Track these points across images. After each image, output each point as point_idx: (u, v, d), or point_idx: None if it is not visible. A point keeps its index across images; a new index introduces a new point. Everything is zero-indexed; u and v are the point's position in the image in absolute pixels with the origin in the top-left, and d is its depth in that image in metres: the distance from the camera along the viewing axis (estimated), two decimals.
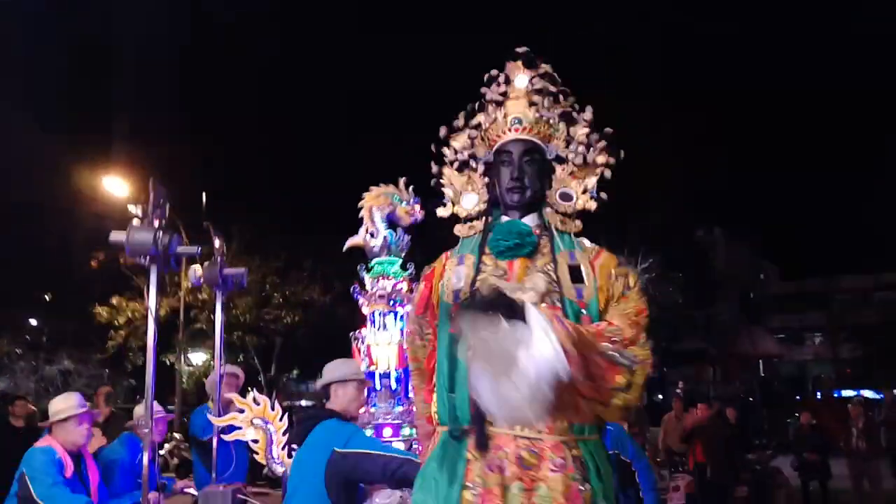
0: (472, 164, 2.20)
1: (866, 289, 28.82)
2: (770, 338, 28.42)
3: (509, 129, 2.12)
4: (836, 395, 20.83)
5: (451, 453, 1.88)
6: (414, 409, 2.28)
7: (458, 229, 2.15)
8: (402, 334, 4.18)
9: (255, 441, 4.01)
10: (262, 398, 4.11)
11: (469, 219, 2.15)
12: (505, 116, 2.14)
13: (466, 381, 1.70)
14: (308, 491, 3.17)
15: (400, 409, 4.15)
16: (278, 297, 17.66)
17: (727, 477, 9.19)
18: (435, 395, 1.98)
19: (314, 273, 17.55)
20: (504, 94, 2.15)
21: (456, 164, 2.21)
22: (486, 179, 2.16)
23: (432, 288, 2.08)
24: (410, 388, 2.25)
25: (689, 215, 19.38)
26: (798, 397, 20.91)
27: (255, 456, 4.07)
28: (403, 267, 4.34)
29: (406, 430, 4.11)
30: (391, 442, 4.02)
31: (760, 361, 27.66)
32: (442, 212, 2.20)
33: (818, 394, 24.09)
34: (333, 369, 3.46)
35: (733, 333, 23.68)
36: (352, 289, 4.33)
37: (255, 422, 4.03)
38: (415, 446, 4.11)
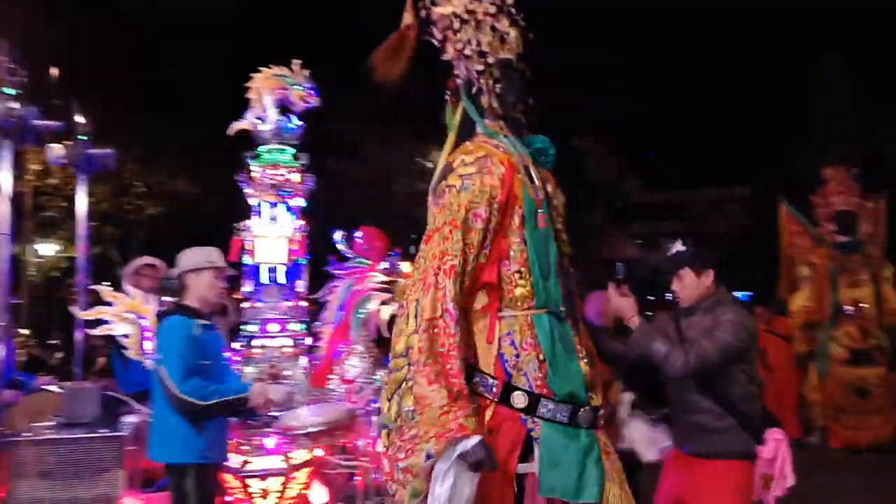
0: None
1: (718, 200, 31.48)
2: (631, 242, 30.62)
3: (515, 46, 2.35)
4: None
5: (562, 332, 2.19)
6: (449, 341, 2.02)
7: (491, 125, 2.33)
8: (293, 227, 4.01)
9: (126, 336, 3.81)
10: (136, 291, 3.87)
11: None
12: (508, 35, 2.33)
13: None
14: (159, 391, 3.14)
15: (288, 304, 4.02)
16: (141, 185, 16.56)
17: None
18: (530, 286, 2.17)
19: (183, 161, 16.48)
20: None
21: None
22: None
23: (514, 195, 2.20)
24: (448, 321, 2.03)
25: (565, 123, 19.95)
26: (652, 297, 22.77)
27: (125, 351, 3.87)
28: (295, 157, 4.10)
29: (293, 326, 4.02)
30: (278, 337, 3.93)
31: (621, 264, 29.81)
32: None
33: (668, 294, 26.40)
34: (187, 258, 3.34)
35: (600, 238, 25.19)
36: (237, 177, 4.04)
37: (127, 315, 3.81)
38: (306, 342, 4.06)
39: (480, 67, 2.35)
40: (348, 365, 3.92)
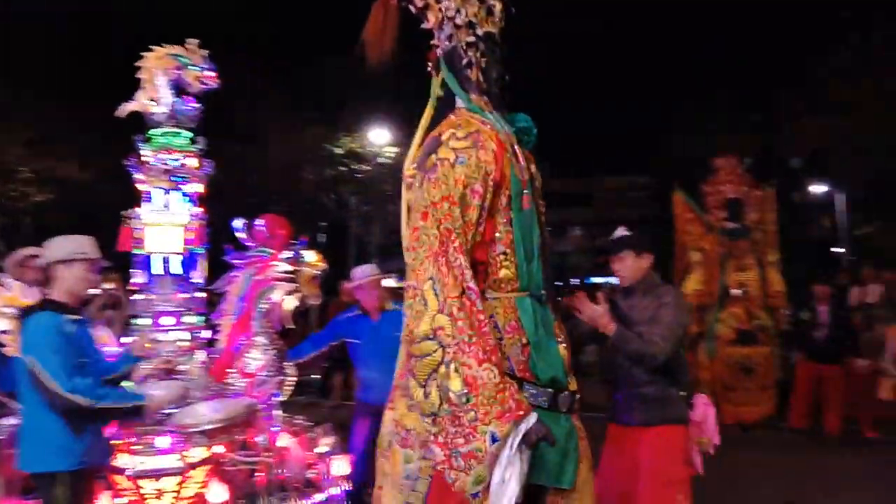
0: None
1: (621, 188, 32.68)
2: None
3: (498, 21, 2.33)
4: (586, 282, 23.80)
5: (544, 316, 2.19)
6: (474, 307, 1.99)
7: (476, 100, 2.29)
8: (189, 215, 3.83)
9: (5, 332, 3.54)
10: (15, 283, 3.59)
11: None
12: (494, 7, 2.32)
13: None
14: (31, 394, 2.94)
15: (183, 296, 3.85)
16: (27, 171, 15.47)
17: None
18: (515, 268, 2.17)
19: (72, 145, 15.49)
20: None
21: None
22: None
23: (503, 174, 2.16)
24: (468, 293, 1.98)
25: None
26: (558, 283, 23.42)
27: (3, 349, 3.60)
28: (193, 140, 3.90)
29: (189, 319, 3.85)
30: (172, 330, 3.76)
31: None
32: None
33: (573, 280, 27.28)
34: (56, 247, 3.13)
35: None
36: (127, 162, 3.81)
37: (5, 310, 3.54)
38: (204, 335, 3.89)
39: (471, 39, 2.30)
40: (249, 358, 3.80)
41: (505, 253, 2.17)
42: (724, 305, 7.65)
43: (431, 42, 2.40)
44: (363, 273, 4.80)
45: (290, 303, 3.89)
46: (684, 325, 3.19)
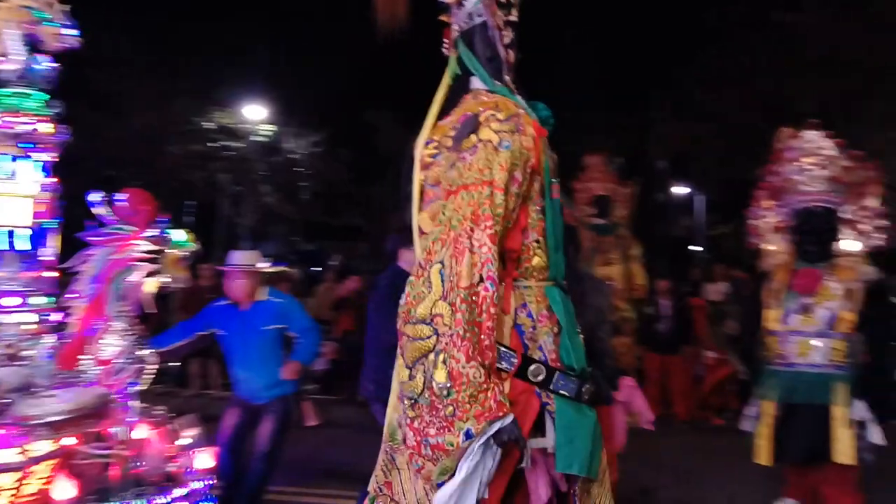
0: None
1: None
2: None
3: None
4: None
5: (567, 305, 2.19)
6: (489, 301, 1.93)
7: (507, 82, 2.27)
8: (39, 185, 3.52)
9: None
10: None
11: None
12: None
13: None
14: None
15: (31, 274, 3.54)
16: None
17: None
18: (546, 257, 2.18)
19: None
20: None
21: None
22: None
23: (539, 161, 2.12)
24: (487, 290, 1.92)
25: (358, 95, 19.92)
26: None
27: None
28: (47, 104, 3.57)
29: (36, 300, 3.55)
30: (16, 312, 3.45)
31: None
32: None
33: None
34: None
35: (389, 213, 25.61)
36: None
37: None
38: (53, 318, 3.60)
39: (513, 18, 2.28)
40: (104, 344, 3.56)
41: (538, 241, 2.16)
42: None
43: (441, 18, 2.34)
44: (237, 259, 4.63)
45: (152, 285, 3.68)
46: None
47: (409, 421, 1.95)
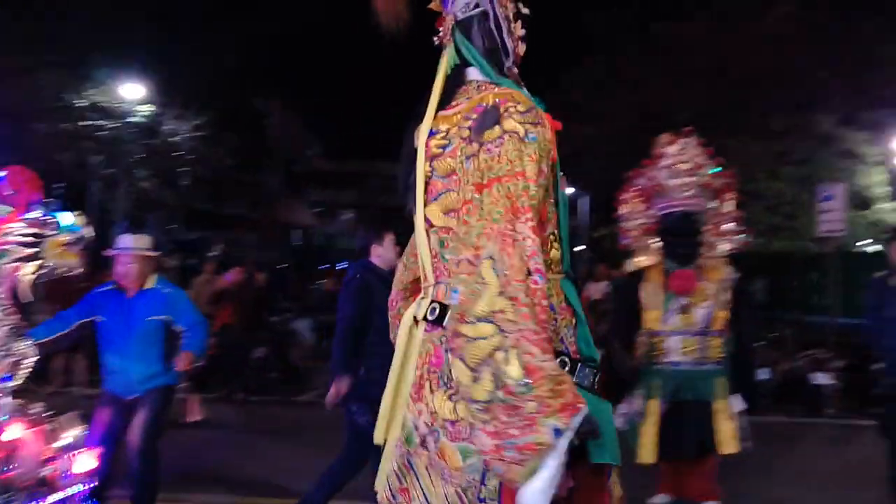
0: None
1: (393, 175, 33.52)
2: (307, 210, 30.99)
3: None
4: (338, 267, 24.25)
5: (573, 293, 2.16)
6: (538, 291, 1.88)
7: (513, 74, 2.26)
8: None
9: None
10: None
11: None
12: None
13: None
14: None
15: None
16: None
17: (250, 337, 9.89)
18: (561, 250, 2.16)
19: None
20: None
21: None
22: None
23: (555, 154, 2.09)
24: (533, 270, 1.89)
25: (246, 78, 19.26)
26: (326, 266, 23.39)
27: None
28: None
29: None
30: None
31: (299, 231, 29.98)
32: None
33: (339, 264, 27.50)
34: None
35: (276, 202, 24.96)
36: None
37: None
38: None
39: (524, 10, 2.27)
40: None
41: (554, 233, 2.13)
42: None
43: (430, 6, 2.28)
44: (129, 242, 4.38)
45: (29, 270, 3.39)
46: None
47: (481, 426, 1.84)
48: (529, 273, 1.89)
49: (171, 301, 4.52)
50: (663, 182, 4.19)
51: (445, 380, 2.00)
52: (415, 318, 2.16)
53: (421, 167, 2.15)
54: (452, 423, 2.02)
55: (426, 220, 2.15)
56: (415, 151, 2.18)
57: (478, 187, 1.97)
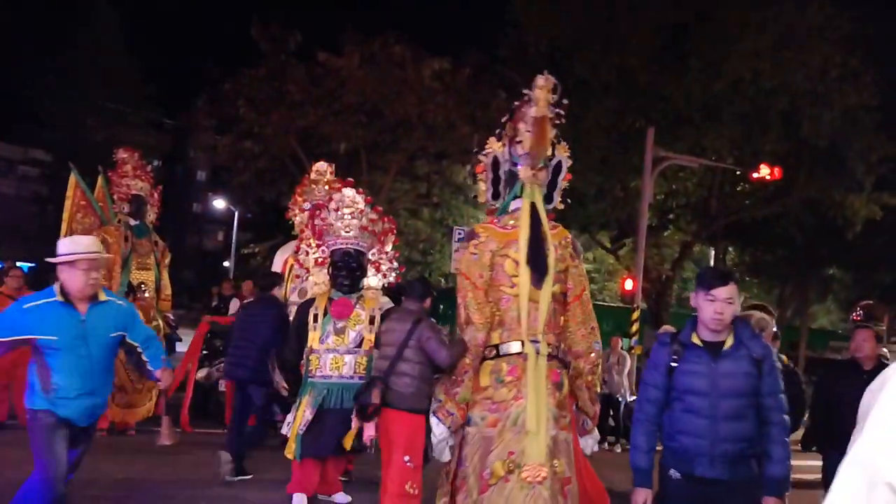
0: None
1: (13, 160, 29.26)
2: None
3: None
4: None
5: None
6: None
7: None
8: None
9: None
10: None
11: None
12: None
13: None
14: None
15: None
16: None
17: None
18: None
19: None
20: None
21: None
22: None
23: None
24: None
25: None
26: None
27: None
28: None
29: None
30: None
31: None
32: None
33: None
34: None
35: None
36: None
37: None
38: None
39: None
40: None
41: None
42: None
43: (477, 152, 3.24)
44: (85, 245, 3.84)
45: None
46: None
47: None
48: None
49: (126, 314, 3.99)
50: (332, 224, 5.17)
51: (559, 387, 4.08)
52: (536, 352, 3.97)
53: (551, 262, 4.06)
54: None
55: (552, 293, 4.08)
56: (541, 243, 4.05)
57: (581, 290, 4.25)
